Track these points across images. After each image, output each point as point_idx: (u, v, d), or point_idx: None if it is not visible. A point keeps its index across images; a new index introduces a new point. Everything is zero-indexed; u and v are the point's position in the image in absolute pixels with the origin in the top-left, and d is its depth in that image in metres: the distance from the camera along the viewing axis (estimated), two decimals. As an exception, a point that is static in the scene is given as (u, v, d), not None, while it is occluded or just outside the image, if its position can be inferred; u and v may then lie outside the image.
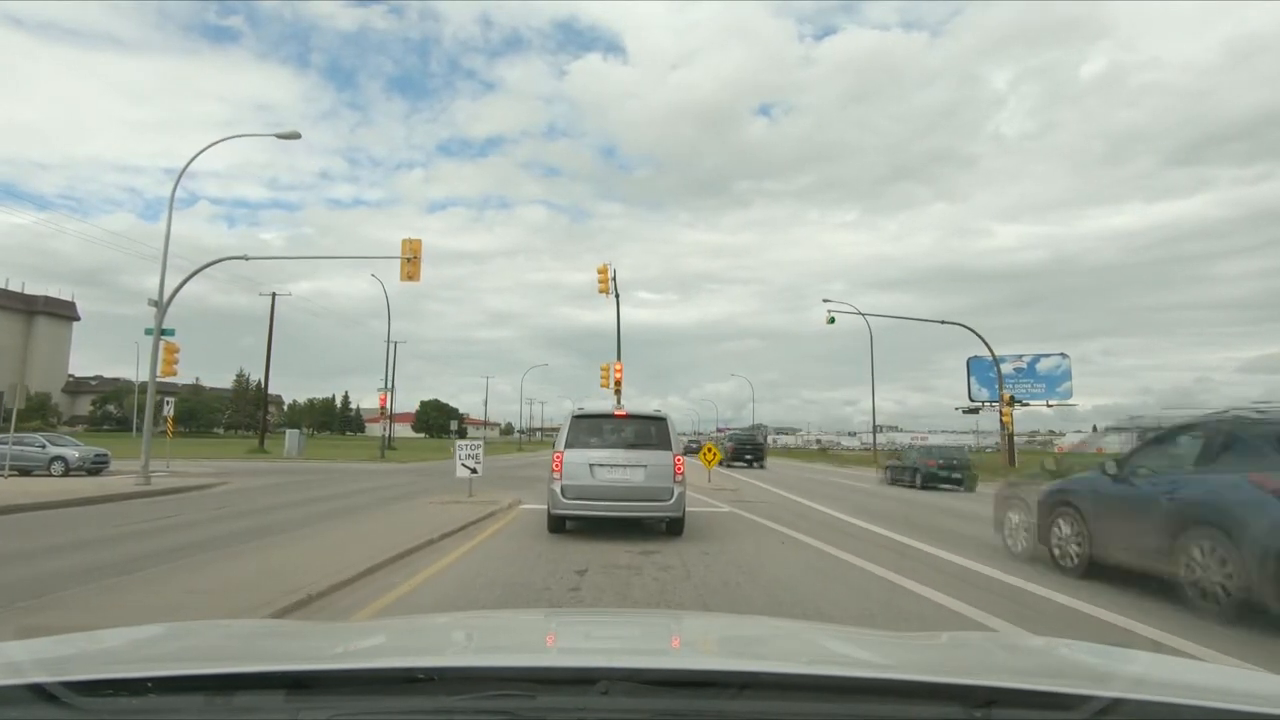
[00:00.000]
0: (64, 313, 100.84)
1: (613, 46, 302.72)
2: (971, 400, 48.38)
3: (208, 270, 22.57)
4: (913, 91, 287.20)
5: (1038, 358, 48.82)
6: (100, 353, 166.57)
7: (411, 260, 21.74)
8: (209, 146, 21.06)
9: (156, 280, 20.31)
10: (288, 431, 51.50)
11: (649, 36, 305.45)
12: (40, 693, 1.14)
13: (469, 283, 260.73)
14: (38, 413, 67.62)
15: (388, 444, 49.55)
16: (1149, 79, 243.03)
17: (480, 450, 15.81)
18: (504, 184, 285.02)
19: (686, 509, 10.65)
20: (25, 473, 22.09)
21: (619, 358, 28.61)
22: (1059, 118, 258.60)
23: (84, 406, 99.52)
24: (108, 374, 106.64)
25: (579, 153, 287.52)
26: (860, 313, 43.20)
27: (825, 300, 41.29)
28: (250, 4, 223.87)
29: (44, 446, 23.51)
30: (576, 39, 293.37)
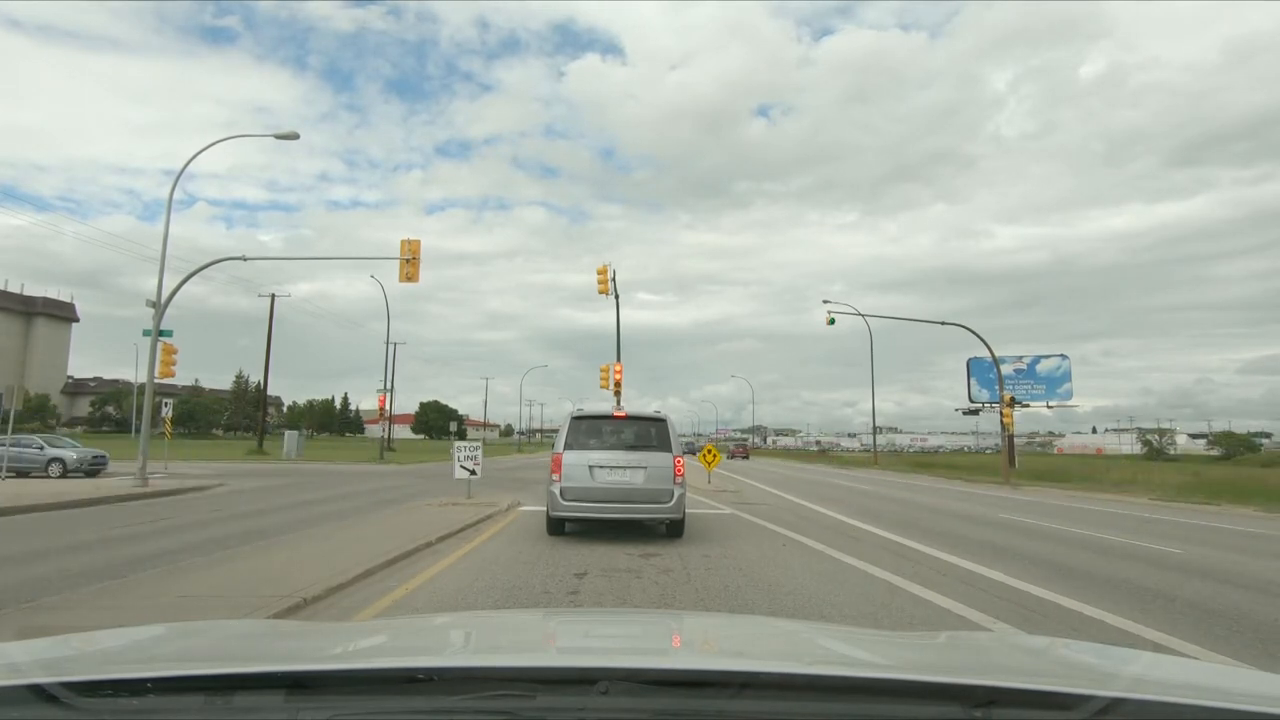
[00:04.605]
0: (63, 314, 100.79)
1: (611, 47, 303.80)
2: (972, 401, 48.42)
3: (207, 272, 22.63)
4: (912, 92, 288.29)
5: (1038, 359, 48.89)
6: (99, 354, 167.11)
7: (410, 261, 21.77)
8: (207, 147, 21.13)
9: (155, 281, 20.38)
10: (286, 433, 51.39)
11: (647, 37, 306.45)
12: (40, 693, 1.14)
13: (468, 284, 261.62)
14: (36, 414, 67.62)
15: (387, 445, 49.52)
16: (1149, 79, 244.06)
17: (479, 452, 15.77)
18: (502, 185, 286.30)
19: (687, 511, 10.63)
20: (23, 474, 22.05)
21: (619, 359, 28.60)
22: (1059, 118, 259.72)
23: (83, 408, 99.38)
24: (107, 375, 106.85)
25: (578, 154, 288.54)
26: (860, 314, 43.23)
27: (825, 301, 41.75)
28: (247, 5, 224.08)
29: (42, 448, 23.49)
30: (574, 40, 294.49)
